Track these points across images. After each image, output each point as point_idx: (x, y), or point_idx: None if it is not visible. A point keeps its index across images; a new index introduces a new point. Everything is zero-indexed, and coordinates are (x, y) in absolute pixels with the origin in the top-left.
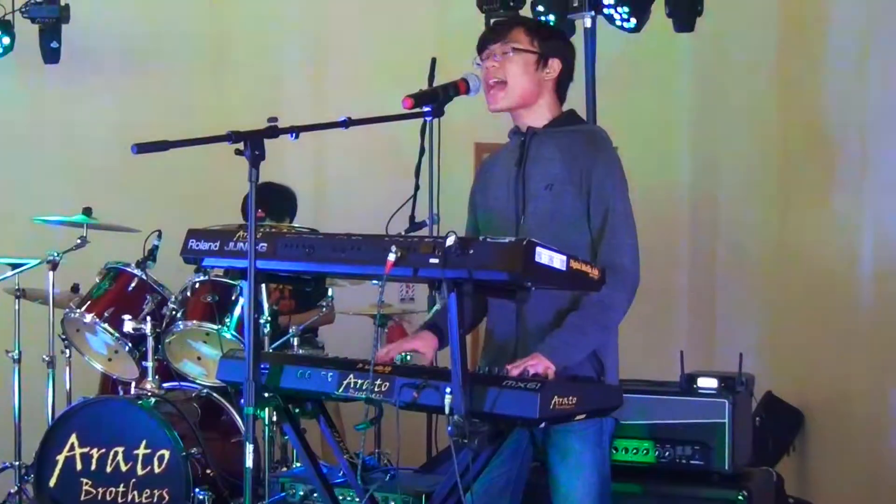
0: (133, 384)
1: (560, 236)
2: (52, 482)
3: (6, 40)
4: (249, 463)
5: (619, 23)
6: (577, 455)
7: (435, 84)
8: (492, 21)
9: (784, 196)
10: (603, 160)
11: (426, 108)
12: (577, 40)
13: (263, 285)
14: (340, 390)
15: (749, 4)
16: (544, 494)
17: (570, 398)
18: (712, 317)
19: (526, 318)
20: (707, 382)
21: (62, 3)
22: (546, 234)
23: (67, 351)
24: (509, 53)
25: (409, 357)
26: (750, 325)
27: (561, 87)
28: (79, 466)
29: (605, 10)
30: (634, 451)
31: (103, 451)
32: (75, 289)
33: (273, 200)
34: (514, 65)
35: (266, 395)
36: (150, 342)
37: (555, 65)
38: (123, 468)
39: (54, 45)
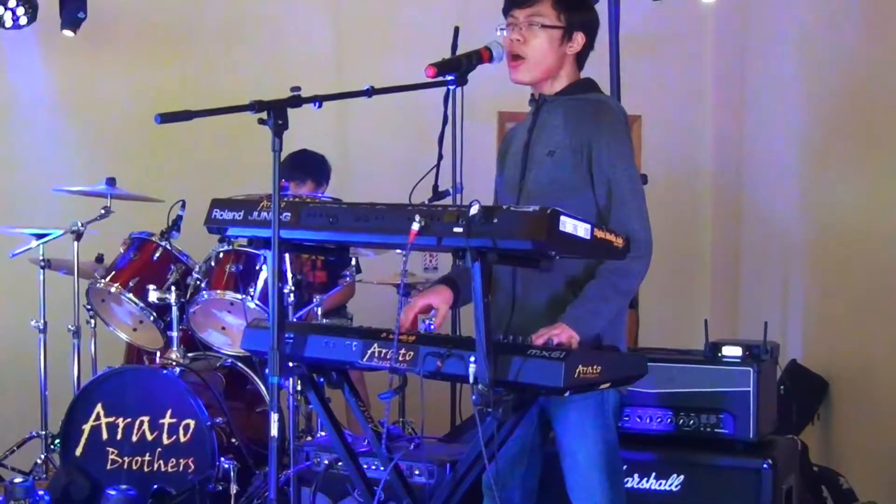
0: (158, 354)
1: (559, 203)
2: (78, 451)
3: (27, 12)
4: (274, 432)
5: None
6: (578, 425)
7: (458, 53)
8: None
9: (812, 164)
10: (605, 129)
11: (449, 77)
12: (601, 8)
13: (287, 255)
14: (365, 359)
15: None
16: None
17: (595, 367)
18: (737, 285)
19: (522, 291)
20: (732, 351)
21: None
22: (545, 200)
23: (92, 321)
24: (534, 27)
25: (430, 323)
26: (775, 294)
27: (581, 57)
28: (105, 436)
29: None
30: (658, 419)
31: (129, 420)
32: (100, 259)
33: (314, 166)
34: (538, 39)
35: (291, 364)
36: (175, 312)
37: (579, 38)
38: (149, 437)
39: (81, 15)
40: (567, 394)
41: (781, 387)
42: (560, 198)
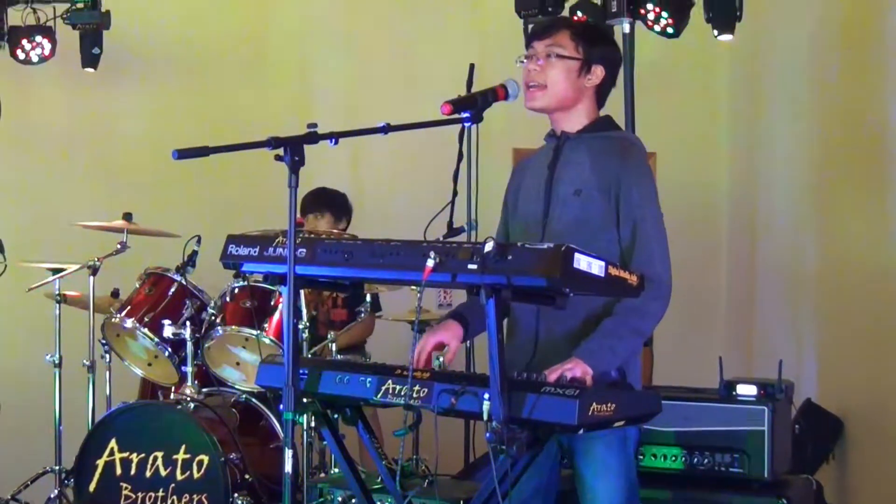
0: (172, 389)
1: (585, 242)
2: (91, 487)
3: (48, 46)
4: (289, 468)
5: (658, 28)
6: (602, 460)
7: (473, 90)
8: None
9: (826, 201)
10: (632, 168)
11: (465, 114)
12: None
13: (303, 291)
14: (379, 396)
15: (788, 7)
16: (573, 500)
17: (609, 405)
18: (751, 323)
19: (544, 328)
20: (746, 389)
21: (103, 10)
22: (571, 238)
23: (107, 356)
24: (552, 58)
25: (440, 358)
26: (789, 332)
27: (602, 92)
28: (118, 471)
29: (644, 16)
30: (673, 458)
31: (143, 455)
32: (115, 294)
33: (334, 201)
34: (555, 70)
35: (305, 400)
36: (190, 347)
37: (598, 71)
38: (163, 473)
39: (96, 51)
40: (581, 431)
41: (796, 426)
42: (587, 236)
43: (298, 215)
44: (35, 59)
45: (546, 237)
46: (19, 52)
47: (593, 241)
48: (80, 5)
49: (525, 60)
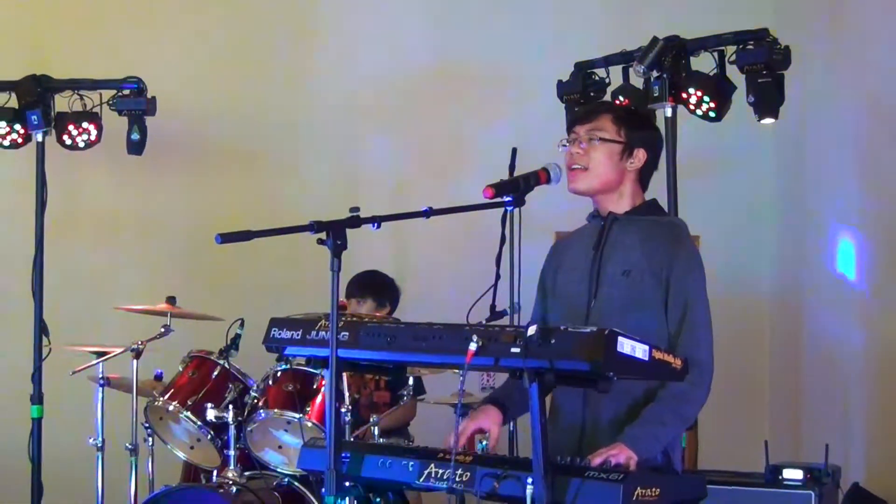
0: (215, 472)
1: (631, 323)
2: None
3: (94, 132)
4: None
5: (700, 112)
6: None
7: (515, 173)
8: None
9: (872, 284)
10: (683, 253)
11: (507, 198)
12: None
13: (345, 374)
14: (421, 480)
15: (833, 91)
16: None
17: (654, 489)
18: (797, 406)
19: (594, 404)
20: (793, 474)
21: (149, 97)
22: (616, 319)
23: (150, 439)
24: (595, 141)
25: (484, 443)
26: (836, 415)
27: (644, 175)
28: None
29: (686, 100)
30: None
31: None
32: (158, 377)
33: (378, 286)
34: (597, 153)
35: (347, 484)
36: (233, 430)
37: (640, 154)
38: None
39: (135, 136)
40: None
41: None
42: (634, 317)
43: (342, 297)
44: (81, 144)
45: (591, 318)
46: (66, 138)
47: (641, 321)
48: (125, 92)
49: (567, 144)
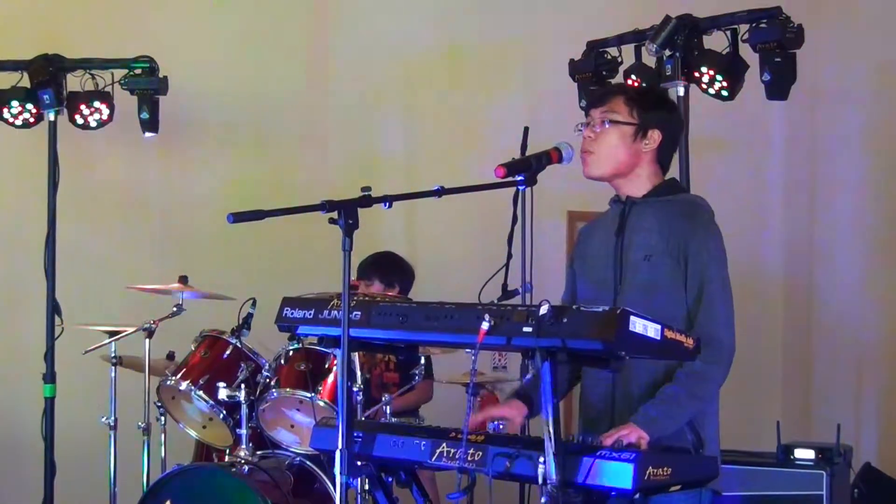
0: (227, 451)
1: (658, 307)
2: None
3: (105, 112)
4: None
5: (712, 91)
6: None
7: (527, 153)
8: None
9: (883, 265)
10: (700, 230)
11: (519, 177)
12: None
13: (357, 354)
14: (433, 459)
15: (844, 71)
16: None
17: (665, 469)
18: (809, 386)
19: (621, 384)
20: (804, 453)
21: (161, 76)
22: (644, 304)
23: (162, 418)
24: (606, 124)
25: (501, 426)
26: (847, 395)
27: (662, 155)
28: None
29: (698, 78)
30: None
31: None
32: (171, 356)
33: (388, 268)
34: (609, 136)
35: (359, 463)
36: (245, 409)
37: (654, 135)
38: None
39: (144, 115)
40: (636, 496)
41: (855, 490)
42: (659, 299)
43: (354, 278)
44: (93, 124)
45: (619, 303)
46: (77, 118)
47: (665, 304)
48: (137, 71)
49: (583, 128)
